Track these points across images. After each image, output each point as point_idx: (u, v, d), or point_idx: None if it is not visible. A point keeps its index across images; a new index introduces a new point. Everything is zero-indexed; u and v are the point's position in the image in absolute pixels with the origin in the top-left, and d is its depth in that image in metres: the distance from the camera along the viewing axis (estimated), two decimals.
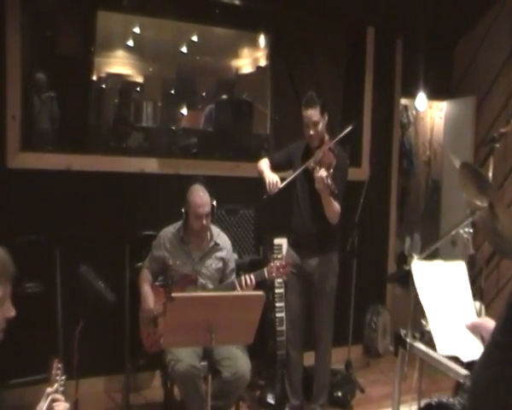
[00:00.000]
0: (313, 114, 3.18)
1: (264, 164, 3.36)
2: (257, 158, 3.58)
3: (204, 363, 2.98)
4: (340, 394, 3.88)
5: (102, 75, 5.18)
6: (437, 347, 1.64)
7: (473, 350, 1.58)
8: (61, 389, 1.53)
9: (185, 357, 2.88)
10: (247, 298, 2.62)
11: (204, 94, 5.81)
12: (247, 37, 5.49)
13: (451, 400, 2.53)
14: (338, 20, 4.49)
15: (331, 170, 3.04)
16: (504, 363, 1.20)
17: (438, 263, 1.90)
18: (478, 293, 3.63)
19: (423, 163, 6.03)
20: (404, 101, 5.25)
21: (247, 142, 4.79)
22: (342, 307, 3.93)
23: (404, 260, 5.85)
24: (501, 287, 4.50)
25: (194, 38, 5.58)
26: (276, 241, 4.06)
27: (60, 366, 1.57)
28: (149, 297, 3.18)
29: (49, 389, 1.53)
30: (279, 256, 3.94)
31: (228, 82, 5.80)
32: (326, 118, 3.26)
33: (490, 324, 1.58)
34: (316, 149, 3.23)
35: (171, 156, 4.26)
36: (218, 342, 2.46)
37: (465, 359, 1.62)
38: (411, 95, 4.96)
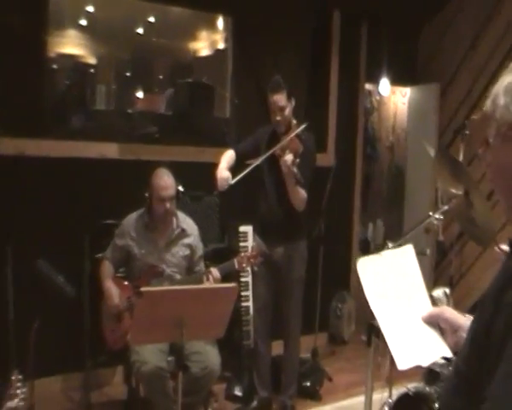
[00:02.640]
0: (280, 98, 3.13)
1: (225, 158, 3.26)
2: (221, 143, 3.46)
3: (171, 359, 2.86)
4: (308, 383, 3.83)
5: (54, 55, 4.90)
6: (396, 363, 1.47)
7: (433, 349, 1.44)
8: (22, 403, 1.37)
9: (151, 358, 2.75)
10: (219, 291, 2.53)
11: (161, 77, 5.61)
12: (205, 18, 5.33)
13: (428, 388, 2.51)
14: (303, 2, 4.38)
15: (297, 158, 2.98)
16: (468, 396, 1.07)
17: (385, 254, 1.70)
18: (447, 279, 3.66)
19: (386, 149, 6.05)
20: (367, 86, 5.22)
21: (209, 126, 4.65)
22: (309, 295, 3.87)
23: (367, 245, 5.89)
24: (464, 271, 4.56)
25: (151, 19, 5.36)
26: (242, 228, 3.94)
27: (20, 377, 1.40)
28: (113, 292, 3.01)
29: (9, 404, 1.37)
30: (245, 244, 3.86)
31: (186, 65, 5.62)
32: (293, 103, 3.21)
33: (447, 312, 1.44)
34: (283, 134, 3.17)
35: (132, 141, 4.06)
36: (188, 338, 2.37)
37: (426, 364, 1.51)
38: (375, 80, 4.93)
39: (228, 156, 3.28)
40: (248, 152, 3.33)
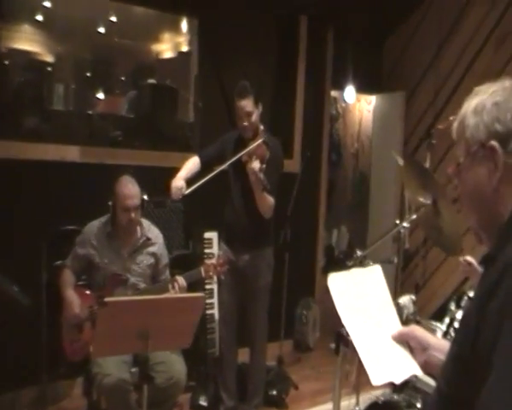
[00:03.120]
0: (247, 104, 3.10)
1: (186, 166, 3.21)
2: (186, 148, 3.39)
3: (134, 370, 2.75)
4: (274, 392, 3.78)
5: (5, 50, 4.69)
6: (371, 379, 1.45)
7: (404, 367, 1.44)
8: None
9: (113, 369, 2.64)
10: (186, 300, 2.46)
11: (123, 78, 5.47)
12: (169, 20, 5.25)
13: (396, 397, 2.50)
14: (270, 7, 4.35)
15: (264, 164, 2.96)
16: None
17: (354, 272, 1.71)
18: (412, 285, 3.68)
19: (351, 155, 6.09)
20: (333, 93, 5.24)
21: (172, 130, 4.57)
22: (274, 302, 3.84)
23: (332, 251, 5.90)
24: (427, 277, 4.61)
25: (113, 18, 5.23)
26: (207, 235, 3.87)
27: None
28: (74, 301, 2.87)
29: None
30: (210, 251, 3.79)
31: (148, 66, 5.51)
32: (260, 108, 3.18)
33: (417, 331, 1.45)
34: (250, 140, 3.13)
35: (94, 144, 3.92)
36: (154, 349, 2.30)
37: (398, 381, 1.48)
38: (341, 87, 4.95)
39: (190, 164, 3.23)
40: (214, 158, 3.27)
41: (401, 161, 2.83)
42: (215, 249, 3.78)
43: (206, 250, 3.80)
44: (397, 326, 1.54)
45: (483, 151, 1.06)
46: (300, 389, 4.06)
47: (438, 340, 1.48)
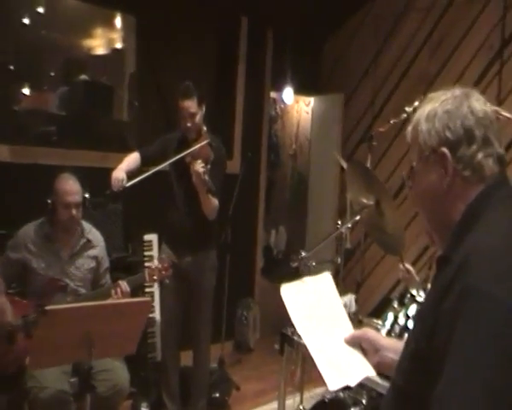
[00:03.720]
0: (191, 105, 3.07)
1: (127, 159, 3.15)
2: (124, 148, 3.30)
3: (74, 380, 2.64)
4: (217, 394, 3.76)
5: None
6: (327, 384, 1.49)
7: (358, 369, 1.50)
8: None
9: (51, 382, 2.51)
10: (132, 305, 2.39)
11: (52, 74, 5.23)
12: (102, 15, 5.06)
13: (342, 394, 2.55)
14: (209, 6, 4.31)
15: (208, 165, 2.94)
16: None
17: (306, 280, 1.75)
18: (353, 284, 3.76)
19: (289, 156, 6.15)
20: (272, 94, 5.27)
21: (107, 129, 4.42)
22: (215, 304, 3.81)
23: (270, 252, 5.93)
24: (366, 275, 4.74)
25: (40, 10, 4.98)
26: (146, 237, 3.79)
27: None
28: (6, 310, 2.70)
29: None
30: (150, 253, 3.71)
31: (80, 62, 5.29)
32: (204, 109, 3.16)
33: (369, 333, 1.52)
34: (193, 141, 3.09)
35: (25, 143, 3.71)
36: (98, 356, 2.23)
37: (353, 384, 1.54)
38: (280, 88, 4.98)
39: (131, 158, 3.16)
40: (154, 156, 3.21)
41: (344, 164, 2.87)
42: (155, 252, 3.71)
43: (146, 253, 3.72)
44: (349, 330, 1.59)
45: (434, 156, 1.11)
46: (242, 389, 4.06)
47: (389, 340, 1.55)
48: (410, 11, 4.55)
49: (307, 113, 5.91)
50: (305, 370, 3.22)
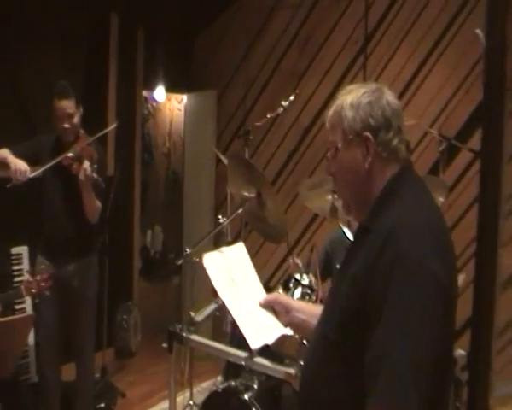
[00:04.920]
0: (68, 105, 2.94)
1: (4, 151, 2.90)
2: None
3: None
4: (102, 405, 3.64)
5: None
6: (249, 344, 1.67)
7: (272, 329, 1.67)
8: None
9: None
10: (12, 323, 2.22)
11: None
12: None
13: (233, 383, 2.62)
14: (77, 2, 4.09)
15: (95, 164, 2.86)
16: (343, 360, 1.26)
17: (224, 250, 1.92)
18: None
19: (163, 155, 6.08)
20: (143, 92, 5.17)
21: None
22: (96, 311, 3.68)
23: (147, 252, 5.82)
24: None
25: None
26: (15, 250, 3.51)
27: None
28: None
29: None
30: (20, 267, 3.46)
31: None
32: (81, 110, 3.04)
33: (281, 297, 1.73)
34: (70, 143, 2.96)
35: None
36: None
37: (270, 342, 1.69)
38: (151, 87, 4.91)
39: (5, 152, 2.90)
40: (26, 158, 2.95)
41: (225, 159, 2.94)
42: (26, 265, 3.46)
43: (15, 267, 3.44)
44: (262, 294, 1.76)
45: (358, 139, 1.29)
46: (128, 396, 3.98)
47: (299, 303, 1.75)
48: (279, 8, 4.70)
49: (180, 110, 5.89)
50: (193, 365, 3.26)
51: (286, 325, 1.63)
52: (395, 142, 1.30)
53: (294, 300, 1.75)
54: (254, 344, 1.66)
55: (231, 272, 1.81)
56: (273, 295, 1.73)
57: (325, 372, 1.28)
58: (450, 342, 1.25)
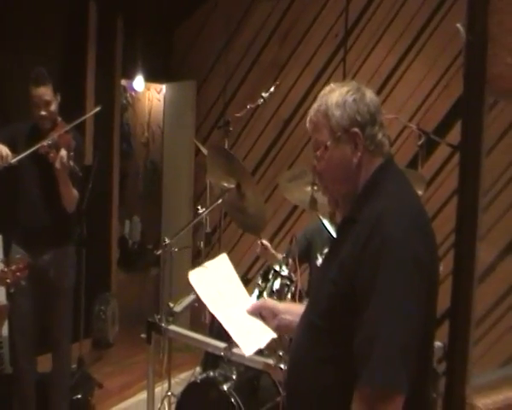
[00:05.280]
0: (45, 92, 2.88)
1: None
2: None
3: None
4: (79, 396, 3.59)
5: None
6: (243, 351, 1.75)
7: (262, 334, 1.72)
8: None
9: None
10: None
11: None
12: None
13: (212, 373, 2.63)
14: None
15: (71, 153, 2.83)
16: (331, 345, 1.30)
17: (208, 265, 1.98)
18: None
19: (141, 145, 6.03)
20: (122, 82, 5.10)
21: None
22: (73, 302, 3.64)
23: (125, 243, 5.78)
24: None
25: None
26: None
27: None
28: None
29: None
30: None
31: None
32: (59, 98, 2.98)
33: (267, 302, 1.77)
34: (47, 131, 2.91)
35: None
36: None
37: (263, 346, 1.76)
38: (130, 76, 4.85)
39: None
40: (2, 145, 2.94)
41: (205, 150, 2.92)
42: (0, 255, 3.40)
43: None
44: (248, 301, 1.83)
45: (346, 136, 1.35)
46: (106, 386, 3.96)
47: (284, 305, 1.79)
48: (259, 0, 4.69)
49: (159, 100, 5.84)
50: (171, 356, 3.26)
51: (274, 329, 1.68)
52: (380, 136, 1.37)
53: (280, 303, 1.76)
54: (248, 351, 1.73)
55: (217, 285, 1.87)
56: (259, 302, 1.80)
57: (313, 358, 1.33)
58: (433, 320, 1.33)
